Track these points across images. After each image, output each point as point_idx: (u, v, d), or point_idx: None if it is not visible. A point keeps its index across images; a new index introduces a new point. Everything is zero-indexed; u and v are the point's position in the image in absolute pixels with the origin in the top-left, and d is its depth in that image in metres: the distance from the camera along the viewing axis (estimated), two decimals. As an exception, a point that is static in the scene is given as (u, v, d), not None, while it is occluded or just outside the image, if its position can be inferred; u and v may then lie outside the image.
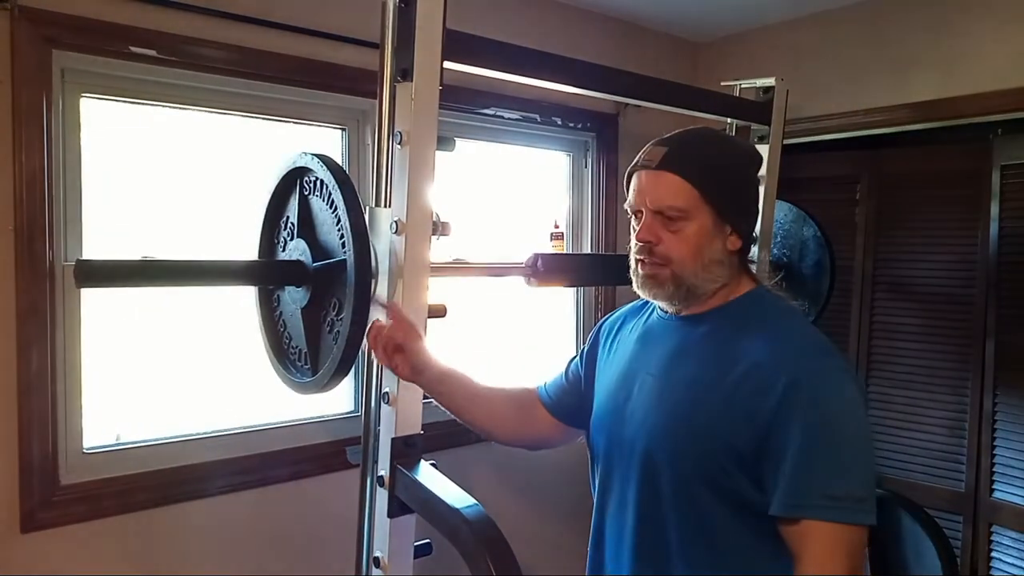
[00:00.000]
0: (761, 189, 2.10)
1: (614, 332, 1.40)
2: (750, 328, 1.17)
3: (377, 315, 1.29)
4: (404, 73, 1.27)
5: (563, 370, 1.47)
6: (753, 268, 1.60)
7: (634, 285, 1.25)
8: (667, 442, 1.16)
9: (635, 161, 1.23)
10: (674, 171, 1.16)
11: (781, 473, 1.06)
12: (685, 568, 1.14)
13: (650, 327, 1.31)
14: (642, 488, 1.19)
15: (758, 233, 2.10)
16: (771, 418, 1.07)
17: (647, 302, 1.33)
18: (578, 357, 1.47)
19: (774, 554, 1.09)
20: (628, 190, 1.24)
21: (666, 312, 1.27)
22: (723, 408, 1.12)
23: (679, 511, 1.14)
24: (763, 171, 2.09)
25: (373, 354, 1.29)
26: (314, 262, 1.33)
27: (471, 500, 1.17)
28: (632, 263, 1.23)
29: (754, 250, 2.11)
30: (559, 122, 2.62)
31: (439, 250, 1.35)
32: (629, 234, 1.25)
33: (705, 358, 1.18)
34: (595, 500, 1.32)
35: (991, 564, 2.50)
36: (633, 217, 1.23)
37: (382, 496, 1.32)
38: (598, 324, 1.46)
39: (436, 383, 1.33)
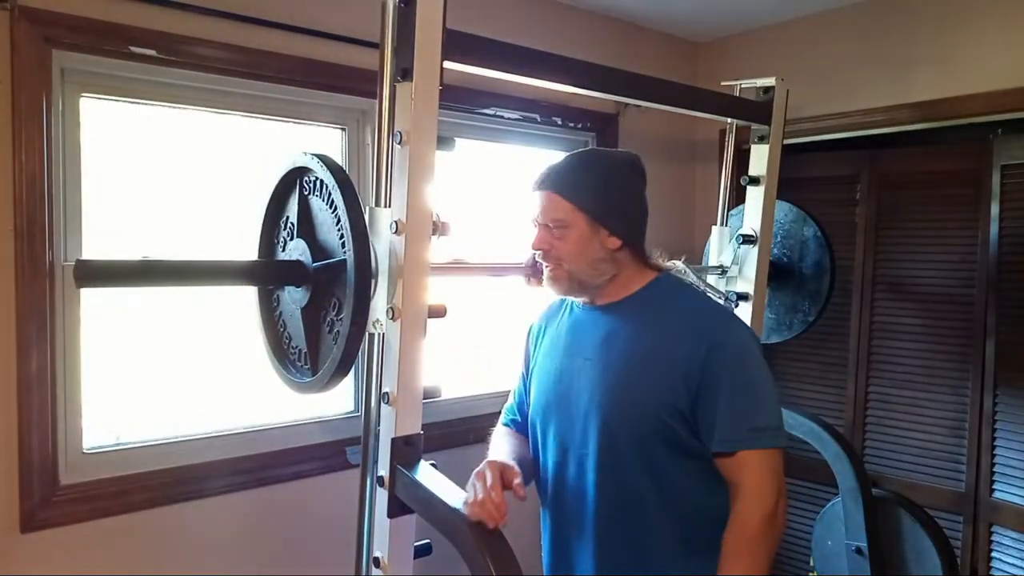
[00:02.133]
0: (761, 189, 2.11)
1: (541, 334, 1.58)
2: (665, 307, 1.41)
3: (377, 315, 1.29)
4: (404, 73, 1.27)
5: (521, 390, 1.61)
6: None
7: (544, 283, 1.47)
8: (618, 408, 1.36)
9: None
10: (551, 189, 1.39)
11: (716, 418, 1.30)
12: (644, 512, 1.35)
13: (576, 320, 1.50)
14: (600, 453, 1.36)
15: (758, 231, 2.10)
16: (700, 376, 1.31)
17: (561, 303, 1.55)
18: (523, 373, 1.61)
19: (716, 490, 1.33)
20: None
21: (585, 304, 1.47)
22: (659, 373, 1.33)
23: (635, 465, 1.34)
24: (763, 171, 2.11)
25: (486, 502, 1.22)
26: (314, 262, 1.33)
27: (471, 500, 1.17)
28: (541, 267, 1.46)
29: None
30: (559, 122, 2.62)
31: (439, 250, 1.35)
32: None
33: (633, 336, 1.39)
34: (549, 478, 1.46)
35: (991, 564, 2.50)
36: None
37: (382, 496, 1.32)
38: (525, 336, 1.63)
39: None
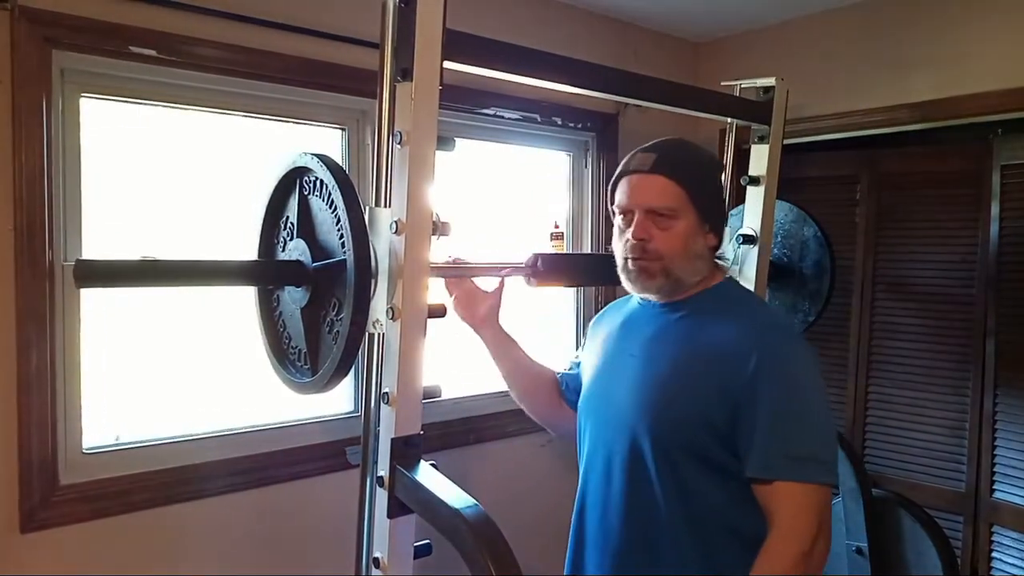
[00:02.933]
0: (761, 189, 2.11)
1: (599, 326, 1.55)
2: (721, 313, 1.32)
3: (377, 315, 1.29)
4: (404, 73, 1.27)
5: (575, 362, 1.61)
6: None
7: (623, 280, 1.37)
8: (650, 414, 1.29)
9: (624, 167, 1.36)
10: (665, 174, 1.29)
11: (754, 440, 1.20)
12: (669, 526, 1.27)
13: (631, 314, 1.45)
14: (629, 457, 1.31)
15: (758, 231, 2.10)
16: (742, 392, 1.21)
17: (628, 297, 1.47)
18: (577, 355, 1.61)
19: (745, 509, 1.23)
20: (615, 194, 1.36)
21: (643, 300, 1.41)
22: (699, 384, 1.25)
23: (662, 475, 1.27)
24: (763, 171, 2.11)
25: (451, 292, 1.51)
26: (314, 262, 1.32)
27: (471, 500, 1.17)
28: (620, 260, 1.36)
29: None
30: (559, 122, 2.62)
31: (439, 250, 1.35)
32: (616, 234, 1.37)
33: (682, 340, 1.32)
34: (581, 474, 1.43)
35: (991, 564, 2.50)
36: (621, 218, 1.35)
37: (382, 496, 1.32)
38: (589, 325, 1.60)
39: (496, 342, 1.53)
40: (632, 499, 1.31)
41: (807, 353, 1.28)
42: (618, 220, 1.36)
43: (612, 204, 1.37)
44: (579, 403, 1.49)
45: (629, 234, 1.31)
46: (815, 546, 1.15)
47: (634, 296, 1.45)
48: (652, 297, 1.38)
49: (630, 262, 1.33)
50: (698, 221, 1.30)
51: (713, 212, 1.33)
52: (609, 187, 1.40)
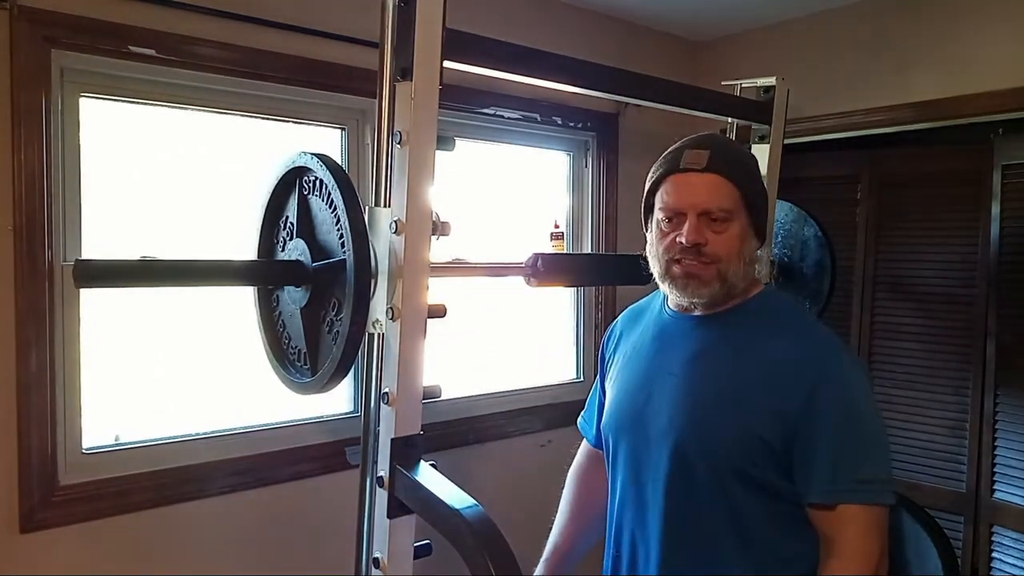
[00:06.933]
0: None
1: (621, 338, 1.44)
2: (769, 328, 1.24)
3: (377, 315, 1.29)
4: (404, 72, 1.26)
5: (595, 401, 1.51)
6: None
7: (666, 286, 1.27)
8: (698, 437, 1.21)
9: (669, 164, 1.25)
10: (721, 173, 1.20)
11: (815, 463, 1.14)
12: (717, 552, 1.20)
13: (664, 328, 1.34)
14: (671, 482, 1.23)
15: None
16: (800, 414, 1.14)
17: (646, 305, 1.39)
18: (597, 383, 1.50)
19: (798, 537, 1.18)
20: (656, 193, 1.26)
21: (677, 311, 1.31)
22: (752, 404, 1.18)
23: (712, 501, 1.20)
24: (764, 171, 2.10)
25: None
26: (313, 262, 1.32)
27: (471, 500, 1.17)
28: (662, 264, 1.25)
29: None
30: (559, 122, 2.62)
31: (439, 250, 1.35)
32: (655, 236, 1.27)
33: (728, 357, 1.24)
34: (614, 497, 1.36)
35: (992, 565, 2.50)
36: (665, 219, 1.24)
37: (382, 497, 1.31)
38: (601, 344, 1.50)
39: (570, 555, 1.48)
40: (678, 523, 1.23)
41: (858, 369, 1.23)
42: (660, 222, 1.25)
43: (654, 204, 1.27)
44: (605, 421, 1.39)
45: (680, 237, 1.20)
46: (879, 567, 1.13)
47: (656, 304, 1.37)
48: (696, 307, 1.28)
49: (677, 267, 1.22)
50: (750, 223, 1.23)
51: (761, 213, 1.26)
52: (648, 184, 1.29)
